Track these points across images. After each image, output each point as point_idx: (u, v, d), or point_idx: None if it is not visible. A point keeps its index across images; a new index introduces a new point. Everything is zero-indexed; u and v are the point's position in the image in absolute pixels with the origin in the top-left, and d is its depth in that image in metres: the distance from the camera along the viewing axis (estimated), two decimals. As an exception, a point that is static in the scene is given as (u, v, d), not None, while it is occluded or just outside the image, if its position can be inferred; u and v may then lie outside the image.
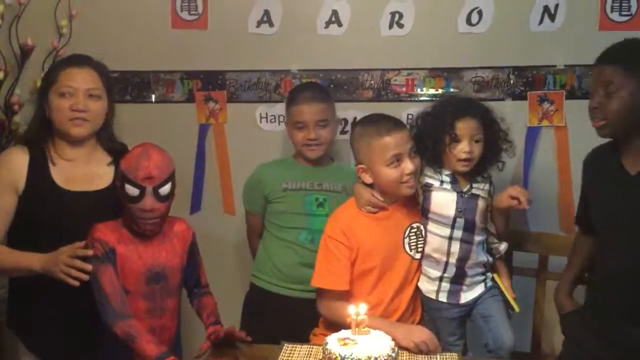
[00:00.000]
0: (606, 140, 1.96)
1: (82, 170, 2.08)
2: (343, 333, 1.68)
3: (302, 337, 2.04)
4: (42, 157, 2.05)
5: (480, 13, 2.58)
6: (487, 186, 2.09)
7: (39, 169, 2.03)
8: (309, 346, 1.89)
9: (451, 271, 2.04)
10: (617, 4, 2.52)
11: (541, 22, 2.57)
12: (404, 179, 1.97)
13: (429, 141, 2.05)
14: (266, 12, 2.66)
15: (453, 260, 2.03)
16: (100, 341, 1.87)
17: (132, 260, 1.86)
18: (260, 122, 2.74)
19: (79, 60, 2.11)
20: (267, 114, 2.71)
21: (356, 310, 1.68)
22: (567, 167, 2.58)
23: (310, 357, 1.81)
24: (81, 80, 2.05)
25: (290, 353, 1.84)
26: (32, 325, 2.03)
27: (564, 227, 2.57)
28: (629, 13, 2.51)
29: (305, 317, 2.13)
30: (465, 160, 2.02)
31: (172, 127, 2.71)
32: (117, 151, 2.13)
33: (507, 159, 2.23)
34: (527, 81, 2.60)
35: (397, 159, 1.96)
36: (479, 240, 2.05)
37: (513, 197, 1.99)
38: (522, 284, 2.33)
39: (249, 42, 2.70)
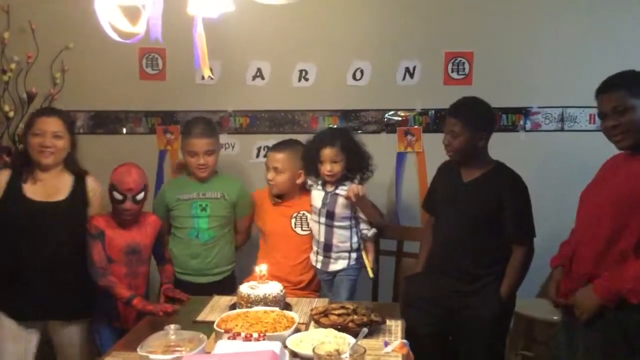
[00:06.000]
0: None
1: (46, 187, 2.65)
2: (251, 282, 2.54)
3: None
4: (19, 177, 2.64)
5: (362, 71, 3.47)
6: None
7: (14, 184, 2.63)
8: (230, 297, 2.66)
9: (321, 247, 2.84)
10: (456, 67, 3.44)
11: (404, 78, 3.45)
12: (269, 182, 2.92)
13: (308, 162, 2.86)
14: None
15: (322, 239, 2.83)
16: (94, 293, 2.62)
17: (116, 239, 2.60)
18: (205, 148, 3.52)
19: (48, 112, 2.73)
20: (209, 142, 3.44)
21: (259, 268, 2.56)
22: (424, 179, 3.43)
23: (231, 301, 2.59)
24: (49, 125, 2.63)
25: (217, 300, 2.65)
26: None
27: (423, 220, 3.37)
28: (464, 73, 3.44)
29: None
30: (328, 175, 2.79)
31: (138, 152, 3.33)
32: (80, 173, 2.71)
33: (384, 175, 3.11)
34: (395, 120, 3.49)
35: (268, 170, 2.94)
36: (338, 225, 2.80)
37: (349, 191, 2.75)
38: (386, 261, 3.18)
39: (196, 90, 3.51)
